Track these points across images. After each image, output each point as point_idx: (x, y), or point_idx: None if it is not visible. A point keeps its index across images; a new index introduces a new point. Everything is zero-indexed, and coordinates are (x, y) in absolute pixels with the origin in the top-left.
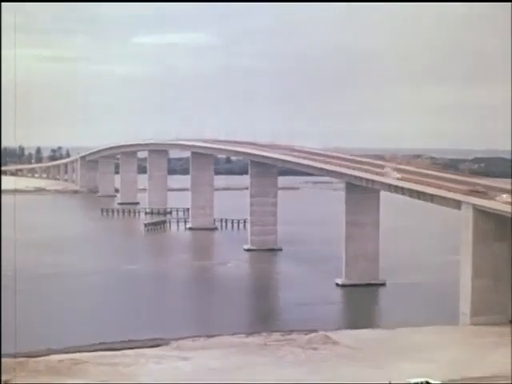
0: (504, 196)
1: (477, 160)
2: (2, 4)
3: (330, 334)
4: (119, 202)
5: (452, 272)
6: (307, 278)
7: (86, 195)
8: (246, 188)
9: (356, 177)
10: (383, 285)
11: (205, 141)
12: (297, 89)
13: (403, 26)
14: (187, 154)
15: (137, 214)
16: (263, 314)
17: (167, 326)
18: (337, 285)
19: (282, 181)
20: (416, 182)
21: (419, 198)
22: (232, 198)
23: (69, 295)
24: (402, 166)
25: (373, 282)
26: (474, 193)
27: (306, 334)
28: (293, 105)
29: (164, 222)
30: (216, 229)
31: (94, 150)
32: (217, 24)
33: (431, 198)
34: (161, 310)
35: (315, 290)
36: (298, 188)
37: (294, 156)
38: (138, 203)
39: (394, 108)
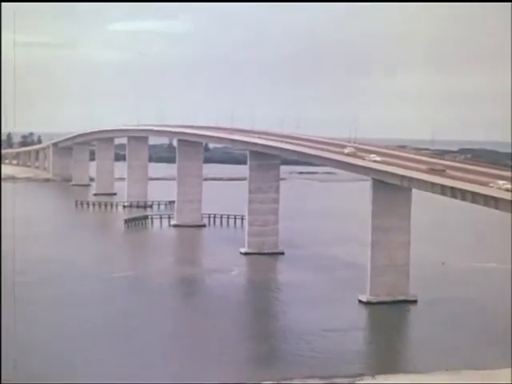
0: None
1: (463, 151)
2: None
3: (378, 381)
4: (95, 192)
5: (494, 284)
6: (322, 293)
7: (58, 184)
8: (230, 179)
9: (389, 173)
10: (414, 302)
11: (193, 127)
12: (277, 77)
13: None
14: (163, 140)
15: (114, 207)
16: (279, 345)
17: (154, 362)
18: (360, 302)
19: None
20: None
21: (475, 202)
22: (214, 190)
23: (32, 311)
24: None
25: (402, 298)
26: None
27: None
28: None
29: (146, 218)
30: (204, 226)
31: (68, 136)
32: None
33: (484, 199)
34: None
35: (337, 310)
36: (284, 179)
37: (309, 147)
38: (115, 194)
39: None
